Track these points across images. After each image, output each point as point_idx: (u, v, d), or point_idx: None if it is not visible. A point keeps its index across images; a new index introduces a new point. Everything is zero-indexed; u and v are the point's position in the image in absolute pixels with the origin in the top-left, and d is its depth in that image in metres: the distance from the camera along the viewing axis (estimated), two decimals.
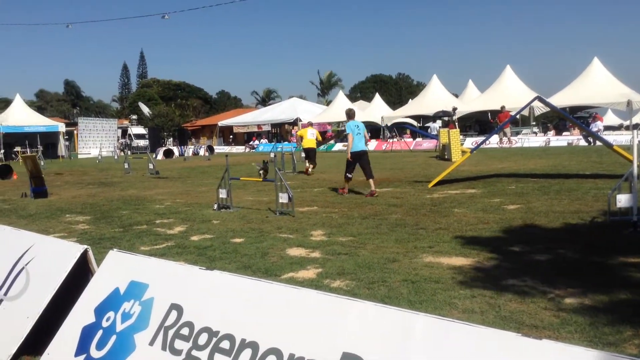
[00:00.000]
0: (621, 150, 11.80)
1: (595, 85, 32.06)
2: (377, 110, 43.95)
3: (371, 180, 11.58)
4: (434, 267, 5.46)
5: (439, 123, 36.99)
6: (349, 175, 11.92)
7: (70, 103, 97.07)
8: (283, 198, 9.11)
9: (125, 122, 60.34)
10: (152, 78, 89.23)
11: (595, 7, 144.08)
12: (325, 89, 78.22)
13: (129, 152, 35.33)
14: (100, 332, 3.07)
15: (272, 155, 11.80)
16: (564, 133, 33.32)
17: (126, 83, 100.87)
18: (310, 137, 18.90)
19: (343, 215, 8.85)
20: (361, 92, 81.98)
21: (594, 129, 27.70)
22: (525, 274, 5.06)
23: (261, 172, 15.99)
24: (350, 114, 12.29)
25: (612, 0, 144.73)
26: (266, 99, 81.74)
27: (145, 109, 62.07)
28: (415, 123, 41.94)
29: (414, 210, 9.02)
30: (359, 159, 11.65)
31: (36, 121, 44.31)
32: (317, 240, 7.07)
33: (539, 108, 30.88)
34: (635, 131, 7.01)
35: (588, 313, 3.98)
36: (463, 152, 19.27)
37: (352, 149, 11.58)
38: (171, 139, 54.35)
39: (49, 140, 43.10)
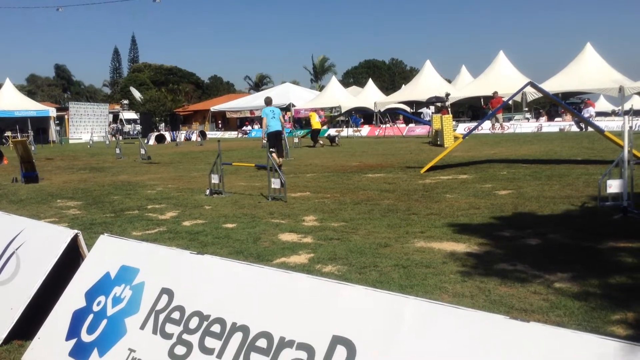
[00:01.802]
0: (612, 136, 11.85)
1: (587, 71, 32.11)
2: (370, 95, 43.84)
3: (280, 159, 13.83)
4: (425, 252, 5.48)
5: (431, 109, 37.01)
6: (272, 150, 13.33)
7: (61, 88, 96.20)
8: (275, 183, 9.10)
9: (117, 107, 59.95)
10: (143, 62, 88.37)
11: None
12: (318, 75, 77.93)
13: (121, 137, 35.14)
14: (91, 317, 3.08)
15: (264, 140, 11.92)
16: (556, 119, 33.45)
17: (117, 67, 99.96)
18: (317, 120, 25.65)
19: (335, 201, 8.86)
20: (354, 77, 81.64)
21: (586, 115, 27.81)
22: (515, 258, 5.10)
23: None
24: (267, 102, 14.76)
25: None
26: (259, 84, 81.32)
27: (136, 94, 61.60)
28: (408, 109, 41.93)
29: (406, 196, 9.05)
30: (274, 137, 13.79)
31: (27, 106, 43.97)
32: (309, 225, 7.08)
33: (532, 94, 30.88)
34: (626, 117, 7.05)
35: (577, 297, 4.02)
36: (455, 137, 19.31)
37: (268, 129, 13.77)
38: (163, 124, 54.05)
39: (39, 125, 42.80)
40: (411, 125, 36.35)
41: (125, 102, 61.07)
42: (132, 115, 54.84)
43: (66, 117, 48.34)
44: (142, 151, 20.45)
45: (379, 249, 5.64)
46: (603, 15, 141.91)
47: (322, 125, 41.99)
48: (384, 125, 36.50)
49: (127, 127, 51.12)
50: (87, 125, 45.53)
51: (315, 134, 25.75)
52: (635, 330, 3.44)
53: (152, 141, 35.44)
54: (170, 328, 2.66)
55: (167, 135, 39.60)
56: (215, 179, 9.98)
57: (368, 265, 5.08)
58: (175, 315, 2.68)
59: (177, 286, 2.81)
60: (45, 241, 3.82)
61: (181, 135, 40.32)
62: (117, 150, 22.19)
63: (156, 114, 54.87)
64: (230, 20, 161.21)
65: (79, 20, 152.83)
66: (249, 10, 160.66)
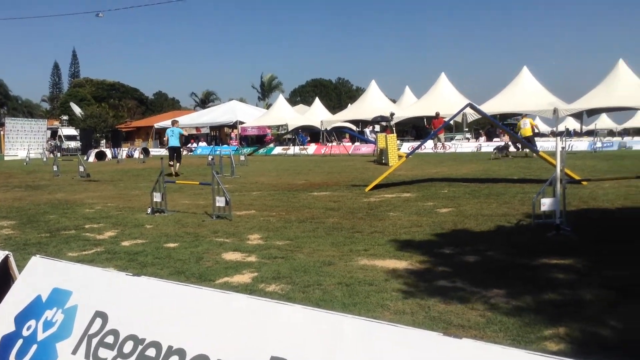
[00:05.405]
0: (546, 156, 12.38)
1: (524, 93, 33.56)
2: (316, 114, 44.25)
3: (177, 165, 18.78)
4: (368, 269, 5.54)
5: (377, 127, 37.62)
6: (171, 163, 18.45)
7: None
8: (220, 202, 9.00)
9: (56, 123, 57.99)
10: (84, 78, 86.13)
11: (525, 18, 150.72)
12: (265, 92, 78.00)
13: (59, 154, 33.97)
14: (20, 342, 2.93)
15: (210, 158, 11.83)
16: (495, 139, 34.58)
17: (57, 82, 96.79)
18: (527, 127, 23.75)
19: (280, 219, 8.84)
20: (301, 96, 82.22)
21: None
22: (455, 275, 5.22)
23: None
24: (173, 122, 20.13)
25: (541, 11, 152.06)
26: (205, 100, 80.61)
27: (77, 110, 59.82)
28: (354, 127, 42.50)
29: (351, 214, 9.13)
30: (173, 151, 18.86)
31: None
32: (253, 244, 7.03)
33: (471, 115, 32.01)
34: (559, 138, 7.38)
35: (512, 313, 4.15)
36: (399, 156, 19.67)
37: (169, 144, 19.11)
38: (104, 140, 52.59)
39: None
40: (357, 143, 36.81)
41: (65, 118, 59.15)
42: (71, 131, 53.12)
43: (2, 133, 46.32)
44: (81, 168, 19.79)
45: (323, 267, 5.65)
46: (539, 39, 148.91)
47: (269, 142, 42.07)
48: (330, 144, 36.83)
49: (68, 144, 49.38)
50: (24, 142, 43.68)
51: (530, 142, 22.29)
52: (566, 345, 3.57)
53: (92, 158, 34.39)
54: (103, 353, 2.57)
55: (108, 152, 38.51)
56: (157, 197, 9.78)
57: (312, 283, 5.08)
58: (109, 339, 2.60)
59: (112, 309, 2.72)
60: None
61: (123, 152, 39.28)
62: (55, 168, 21.40)
63: (97, 130, 53.37)
64: (176, 36, 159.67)
65: (17, 33, 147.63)
66: (195, 26, 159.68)
